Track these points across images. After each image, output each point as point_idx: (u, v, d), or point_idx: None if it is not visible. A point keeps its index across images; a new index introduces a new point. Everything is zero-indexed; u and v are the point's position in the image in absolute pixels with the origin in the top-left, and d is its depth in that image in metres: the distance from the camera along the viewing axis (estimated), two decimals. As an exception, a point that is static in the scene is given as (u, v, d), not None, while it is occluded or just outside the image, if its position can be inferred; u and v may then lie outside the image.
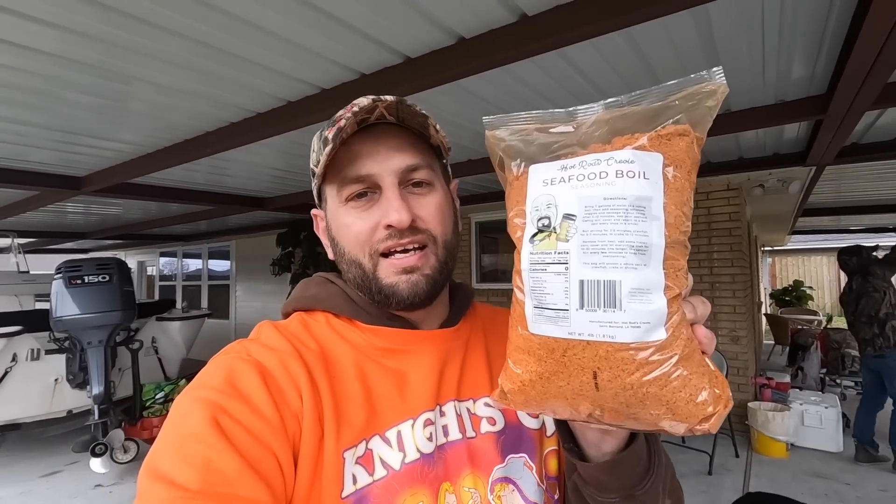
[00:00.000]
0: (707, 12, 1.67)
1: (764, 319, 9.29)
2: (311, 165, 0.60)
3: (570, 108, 0.42)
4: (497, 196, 5.13)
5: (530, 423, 0.61)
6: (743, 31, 1.83)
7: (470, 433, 0.57)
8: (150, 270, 11.57)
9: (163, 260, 10.91)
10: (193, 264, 10.14)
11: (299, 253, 6.56)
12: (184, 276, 10.20)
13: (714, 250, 4.71)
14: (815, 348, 6.06)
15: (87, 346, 3.95)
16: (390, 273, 0.56)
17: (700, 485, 3.56)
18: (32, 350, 4.22)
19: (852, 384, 5.97)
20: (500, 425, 0.59)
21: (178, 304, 6.77)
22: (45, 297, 4.53)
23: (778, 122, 2.63)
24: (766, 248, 13.36)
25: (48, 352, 4.29)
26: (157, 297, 10.48)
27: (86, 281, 3.93)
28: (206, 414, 0.45)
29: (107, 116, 2.54)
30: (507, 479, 0.56)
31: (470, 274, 6.27)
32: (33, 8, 1.50)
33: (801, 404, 4.31)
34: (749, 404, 4.31)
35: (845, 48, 1.90)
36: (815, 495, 3.39)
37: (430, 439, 0.53)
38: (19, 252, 6.42)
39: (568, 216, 0.39)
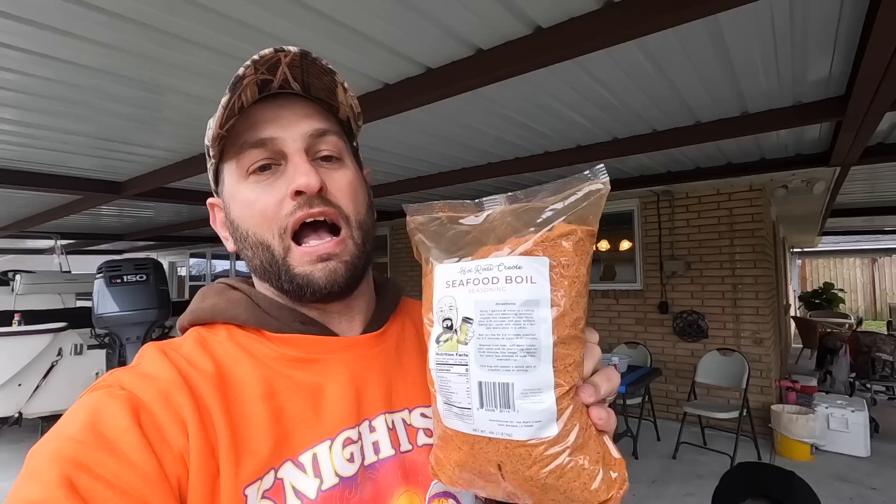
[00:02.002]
0: (717, 20, 1.72)
1: (792, 322, 9.08)
2: (206, 142, 0.52)
3: (478, 200, 0.46)
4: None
5: None
6: (754, 36, 1.87)
7: (405, 446, 0.52)
8: (181, 271, 11.98)
9: (192, 261, 11.28)
10: (221, 265, 10.48)
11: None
12: (212, 277, 10.54)
13: (736, 252, 4.67)
14: (843, 352, 5.92)
15: (126, 342, 4.19)
16: (304, 261, 0.50)
17: (720, 486, 3.55)
18: (76, 345, 4.48)
19: (883, 389, 5.82)
20: None
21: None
22: (86, 295, 4.79)
23: (796, 124, 2.63)
24: (796, 250, 13.02)
25: (90, 347, 4.55)
26: (187, 296, 10.84)
27: (125, 280, 4.16)
28: (58, 474, 0.37)
29: (143, 125, 2.70)
30: (447, 494, 0.51)
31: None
32: (77, 27, 1.64)
33: (826, 407, 4.24)
34: (772, 407, 4.26)
35: (860, 49, 1.92)
36: (840, 499, 3.35)
37: (350, 460, 0.48)
38: (62, 253, 6.76)
39: (466, 319, 0.41)
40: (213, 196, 0.58)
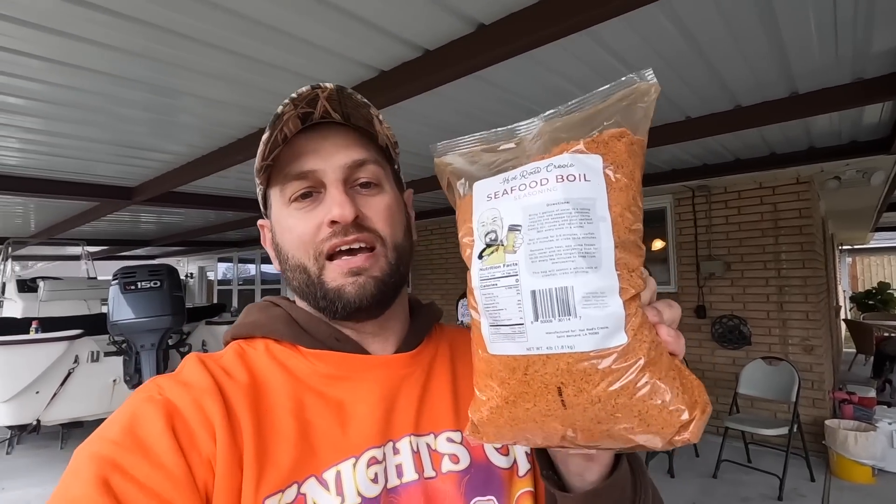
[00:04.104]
0: (764, -23, 1.45)
1: (843, 326, 8.46)
2: (255, 168, 0.56)
3: (511, 126, 0.42)
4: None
5: (500, 461, 0.55)
6: (808, 1, 1.58)
7: (429, 473, 0.51)
8: (210, 275, 12.18)
9: (221, 265, 11.44)
10: (249, 269, 10.57)
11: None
12: (240, 281, 10.66)
13: (782, 251, 4.28)
14: (905, 359, 5.41)
15: (141, 349, 4.15)
16: (336, 275, 0.52)
17: (768, 511, 3.20)
18: (93, 352, 4.47)
19: (952, 400, 5.26)
20: (464, 463, 0.53)
21: (232, 307, 7.03)
22: (109, 301, 4.80)
23: (856, 103, 2.30)
24: (845, 248, 12.23)
25: (107, 354, 4.54)
26: (215, 300, 11.00)
27: (139, 287, 4.12)
28: (95, 473, 0.41)
29: (157, 129, 2.65)
30: None
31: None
32: (87, 30, 1.59)
33: (889, 423, 3.81)
34: (826, 422, 3.86)
35: (940, 11, 1.61)
36: (908, 530, 2.96)
37: (374, 481, 0.48)
38: (88, 259, 6.89)
39: (513, 227, 0.38)
40: (262, 218, 0.62)
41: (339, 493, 0.46)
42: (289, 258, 0.55)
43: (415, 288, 6.98)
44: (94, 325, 4.57)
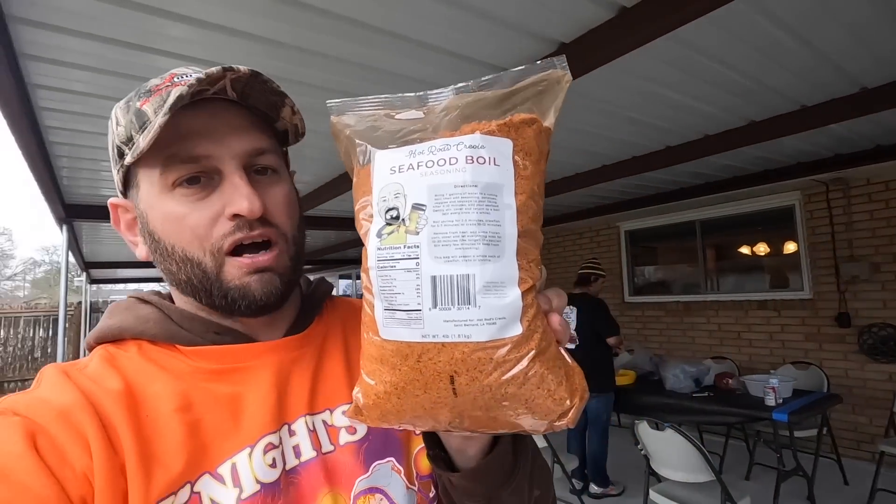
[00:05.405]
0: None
1: None
2: (118, 142, 0.50)
3: (421, 93, 0.40)
4: (647, 201, 4.77)
5: None
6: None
7: (327, 447, 0.51)
8: (333, 291, 13.36)
9: (342, 282, 12.51)
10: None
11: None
12: (357, 296, 11.56)
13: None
14: None
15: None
16: (240, 273, 0.49)
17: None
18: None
19: None
20: (361, 433, 0.53)
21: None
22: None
23: None
24: None
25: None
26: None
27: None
28: None
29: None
30: (372, 490, 0.51)
31: (622, 287, 5.87)
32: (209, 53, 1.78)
33: None
34: None
35: None
36: None
37: (272, 466, 0.47)
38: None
39: (417, 206, 0.36)
40: (117, 196, 0.56)
41: (237, 484, 0.45)
42: (174, 250, 0.49)
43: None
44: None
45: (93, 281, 11.00)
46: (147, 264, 8.34)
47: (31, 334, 10.19)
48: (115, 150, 0.51)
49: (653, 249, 5.88)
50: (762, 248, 4.77)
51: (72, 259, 6.78)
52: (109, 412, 0.44)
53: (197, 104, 0.48)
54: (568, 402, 0.37)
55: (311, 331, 0.58)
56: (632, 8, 1.56)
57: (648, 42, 1.61)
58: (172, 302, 0.56)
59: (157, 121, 0.44)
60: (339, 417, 0.53)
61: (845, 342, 4.13)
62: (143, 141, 0.46)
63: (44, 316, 10.47)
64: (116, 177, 0.53)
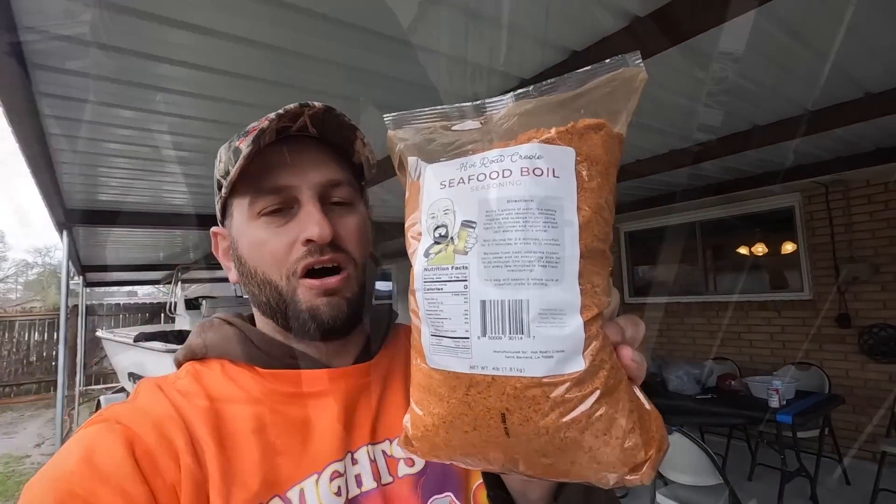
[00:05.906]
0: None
1: None
2: (219, 176, 0.55)
3: (479, 102, 0.37)
4: (648, 203, 4.79)
5: None
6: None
7: (386, 479, 0.51)
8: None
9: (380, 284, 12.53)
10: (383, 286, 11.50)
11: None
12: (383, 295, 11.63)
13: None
14: None
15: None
16: (311, 296, 0.51)
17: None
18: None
19: None
20: (419, 466, 0.53)
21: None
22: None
23: None
24: None
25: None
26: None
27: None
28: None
29: None
30: None
31: (622, 287, 5.90)
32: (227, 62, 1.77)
33: None
34: None
35: None
36: None
37: (337, 494, 0.48)
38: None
39: (467, 223, 0.33)
40: (217, 226, 0.61)
41: None
42: (256, 273, 0.53)
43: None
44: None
45: (88, 284, 10.94)
46: (142, 267, 8.47)
47: (26, 338, 10.10)
48: (216, 184, 0.56)
49: (653, 250, 5.91)
50: (762, 249, 4.80)
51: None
52: (196, 427, 0.47)
53: (282, 141, 0.52)
54: (642, 453, 0.32)
55: (378, 358, 0.59)
56: (644, 17, 1.56)
57: (660, 52, 1.61)
58: (254, 324, 0.59)
59: (244, 152, 0.48)
60: (398, 449, 0.53)
61: (846, 342, 4.16)
62: (233, 171, 0.50)
63: (39, 319, 10.38)
64: (217, 207, 0.58)
